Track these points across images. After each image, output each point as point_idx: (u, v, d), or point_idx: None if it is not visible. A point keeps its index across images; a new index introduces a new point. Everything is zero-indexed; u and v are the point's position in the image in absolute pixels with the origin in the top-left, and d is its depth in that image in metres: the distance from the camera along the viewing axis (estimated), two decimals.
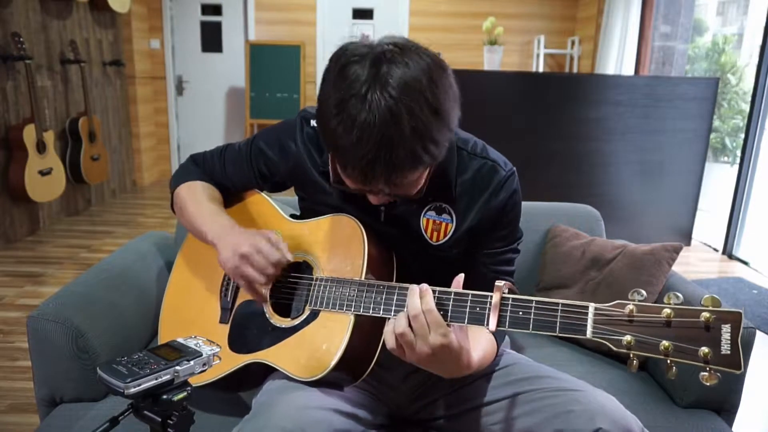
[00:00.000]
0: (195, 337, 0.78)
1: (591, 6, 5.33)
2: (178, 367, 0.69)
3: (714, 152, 5.51)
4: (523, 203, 1.09)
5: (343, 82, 0.79)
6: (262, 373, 1.03)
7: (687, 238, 3.86)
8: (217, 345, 0.77)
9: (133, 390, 0.65)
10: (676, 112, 3.63)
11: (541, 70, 5.57)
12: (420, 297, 0.83)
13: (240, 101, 5.76)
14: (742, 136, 3.80)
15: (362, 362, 0.95)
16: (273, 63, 5.35)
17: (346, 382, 0.97)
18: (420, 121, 0.77)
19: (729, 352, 0.67)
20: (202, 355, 0.73)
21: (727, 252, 3.85)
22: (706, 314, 0.68)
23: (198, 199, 1.13)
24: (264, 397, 0.95)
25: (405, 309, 0.84)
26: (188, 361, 0.71)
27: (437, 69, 0.81)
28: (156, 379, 0.67)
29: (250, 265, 0.96)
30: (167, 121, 5.78)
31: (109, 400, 1.17)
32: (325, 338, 0.94)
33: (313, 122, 1.07)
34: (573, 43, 5.62)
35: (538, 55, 5.61)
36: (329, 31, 5.58)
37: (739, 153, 3.83)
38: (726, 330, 0.67)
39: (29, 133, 3.49)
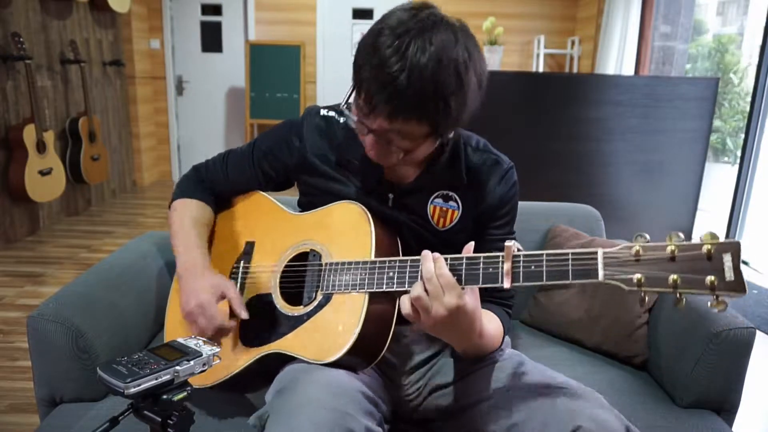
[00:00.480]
0: (195, 337, 0.78)
1: (591, 6, 5.33)
2: (178, 367, 0.69)
3: (714, 152, 5.51)
4: (523, 203, 1.13)
5: (406, 13, 0.86)
6: (275, 367, 1.03)
7: (687, 238, 3.86)
8: (217, 345, 0.77)
9: (133, 390, 0.65)
10: (676, 112, 3.63)
11: (541, 70, 5.56)
12: (433, 261, 0.86)
13: (240, 101, 5.76)
14: (742, 136, 3.80)
15: (376, 344, 0.96)
16: (273, 63, 5.35)
17: (359, 366, 0.98)
18: (441, 77, 0.83)
19: (733, 278, 0.70)
20: (202, 355, 0.73)
21: None
22: (707, 246, 0.72)
23: (183, 223, 1.16)
24: (288, 378, 0.94)
25: (419, 276, 0.87)
26: (188, 361, 0.71)
27: (477, 61, 0.87)
28: (156, 379, 0.67)
29: (194, 323, 1.03)
30: (167, 121, 5.78)
31: (109, 400, 1.17)
32: (341, 320, 0.95)
33: (323, 112, 1.12)
34: (573, 43, 5.62)
35: (538, 55, 5.61)
36: (329, 31, 5.58)
37: (739, 153, 3.83)
38: (727, 258, 0.71)
39: (29, 133, 3.49)
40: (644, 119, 3.65)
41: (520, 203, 1.15)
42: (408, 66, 0.81)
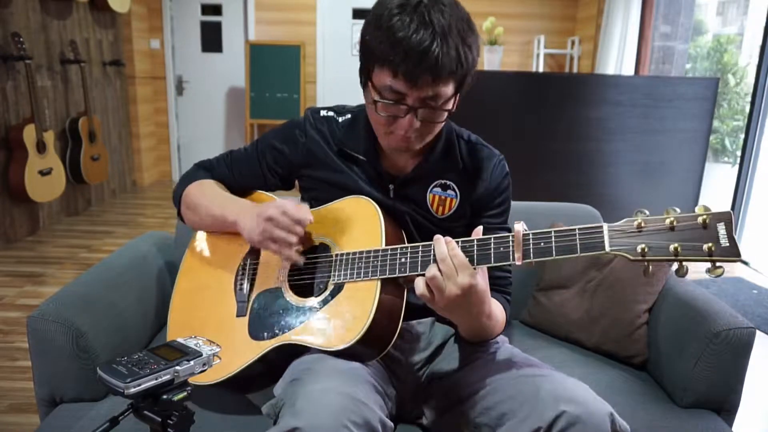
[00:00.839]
0: (195, 337, 0.78)
1: (591, 6, 5.33)
2: (178, 367, 0.69)
3: (714, 152, 5.51)
4: (523, 203, 1.14)
5: (393, 1, 0.93)
6: (282, 362, 1.03)
7: None
8: (218, 345, 0.77)
9: (133, 390, 0.65)
10: (676, 112, 3.63)
11: (541, 70, 5.56)
12: (446, 243, 0.90)
13: (240, 101, 5.76)
14: (742, 136, 3.80)
15: (386, 333, 0.97)
16: (273, 63, 5.35)
17: (368, 357, 0.99)
18: (462, 28, 0.91)
19: (728, 244, 0.75)
20: (202, 355, 0.73)
21: None
22: (702, 217, 0.77)
23: (210, 192, 1.17)
24: (300, 368, 0.95)
25: (431, 259, 0.91)
26: (188, 361, 0.71)
27: (470, 17, 0.95)
28: (156, 379, 0.67)
29: (277, 227, 1.00)
30: (167, 121, 5.78)
31: (109, 400, 1.17)
32: (353, 308, 0.96)
33: (323, 112, 1.16)
34: (573, 43, 5.62)
35: (538, 55, 5.61)
36: (329, 31, 5.58)
37: (739, 154, 3.83)
38: (722, 227, 0.76)
39: (29, 133, 3.49)
40: (644, 119, 3.65)
41: (521, 203, 1.16)
42: (438, 31, 0.88)
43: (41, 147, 3.60)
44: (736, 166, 3.84)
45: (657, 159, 3.73)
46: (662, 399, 1.26)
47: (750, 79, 4.66)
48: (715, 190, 4.75)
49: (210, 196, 1.16)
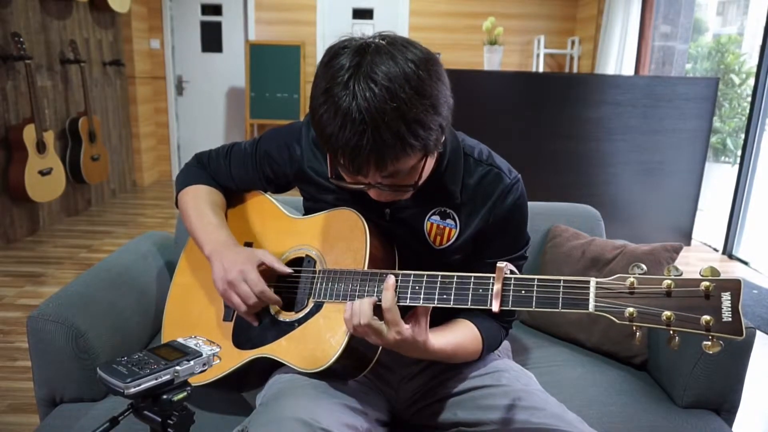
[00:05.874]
0: (195, 337, 0.78)
1: (591, 6, 5.33)
2: (178, 367, 0.69)
3: (714, 152, 5.51)
4: None
5: (328, 72, 0.80)
6: (266, 369, 1.04)
7: (687, 238, 3.86)
8: (217, 345, 0.77)
9: (133, 390, 0.65)
10: (676, 112, 3.63)
11: (541, 70, 5.56)
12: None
13: (240, 101, 5.76)
14: (743, 136, 3.80)
15: (366, 354, 0.96)
16: (273, 63, 5.35)
17: (349, 375, 0.98)
18: (403, 102, 0.76)
19: (730, 319, 0.67)
20: (202, 355, 0.73)
21: (727, 252, 3.85)
22: (706, 283, 0.68)
23: (200, 208, 1.14)
24: (273, 390, 0.96)
25: (409, 289, 0.88)
26: (188, 361, 0.71)
27: (425, 60, 0.81)
28: (156, 379, 0.67)
29: (235, 293, 1.00)
30: (167, 121, 5.78)
31: (109, 400, 1.17)
32: (329, 330, 0.95)
33: None
34: (573, 43, 5.62)
35: (538, 55, 5.61)
36: (329, 31, 5.58)
37: (739, 153, 3.83)
38: (726, 298, 0.67)
39: (29, 133, 3.49)
40: (644, 119, 3.65)
41: None
42: (368, 121, 0.76)
43: (41, 147, 3.60)
44: (736, 166, 3.84)
45: (657, 159, 3.73)
46: (662, 399, 1.26)
47: (751, 80, 4.66)
48: (715, 190, 4.75)
49: (199, 215, 1.13)
